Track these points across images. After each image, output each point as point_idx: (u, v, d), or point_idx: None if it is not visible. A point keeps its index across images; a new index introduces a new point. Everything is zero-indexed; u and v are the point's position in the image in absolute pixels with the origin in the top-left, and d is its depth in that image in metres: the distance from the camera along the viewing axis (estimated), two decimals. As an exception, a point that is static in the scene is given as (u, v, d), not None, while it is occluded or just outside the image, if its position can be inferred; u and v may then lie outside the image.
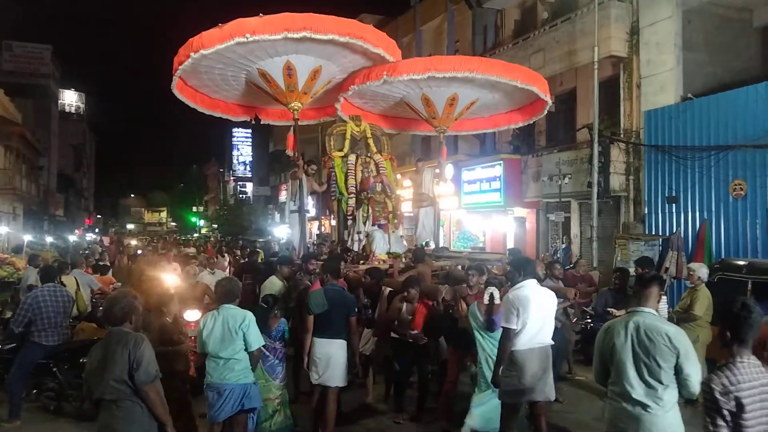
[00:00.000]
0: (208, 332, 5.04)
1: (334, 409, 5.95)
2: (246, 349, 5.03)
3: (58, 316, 6.82)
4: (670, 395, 3.77)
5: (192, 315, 7.31)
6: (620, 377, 3.82)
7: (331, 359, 5.88)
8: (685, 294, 7.53)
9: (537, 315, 5.11)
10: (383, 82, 9.43)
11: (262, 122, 11.87)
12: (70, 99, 61.80)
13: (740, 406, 2.97)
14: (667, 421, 3.75)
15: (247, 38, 8.25)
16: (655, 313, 3.97)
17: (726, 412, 2.99)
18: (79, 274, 9.88)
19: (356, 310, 6.33)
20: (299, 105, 10.01)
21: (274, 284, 7.37)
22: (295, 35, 8.28)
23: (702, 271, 7.24)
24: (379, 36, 9.38)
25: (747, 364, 3.07)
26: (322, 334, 5.97)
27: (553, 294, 5.37)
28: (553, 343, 5.33)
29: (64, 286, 8.58)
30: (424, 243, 10.59)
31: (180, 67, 8.99)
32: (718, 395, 2.99)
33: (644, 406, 3.74)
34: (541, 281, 5.74)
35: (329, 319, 5.94)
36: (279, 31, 8.23)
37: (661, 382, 3.72)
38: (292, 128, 10.49)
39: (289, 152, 10.44)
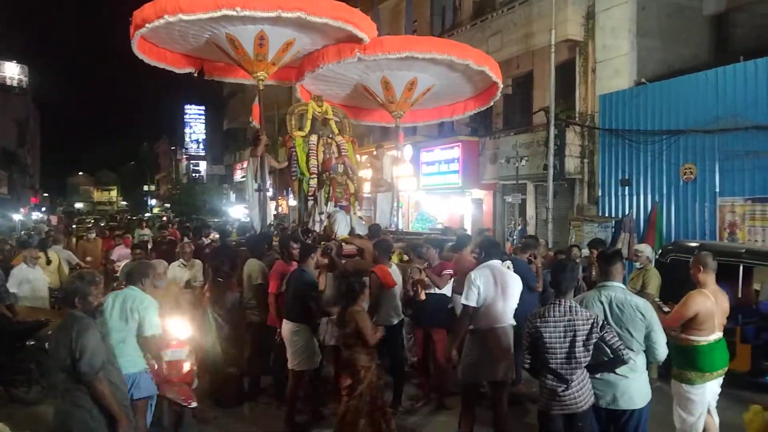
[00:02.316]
0: (108, 313, 4.62)
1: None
2: (138, 335, 4.66)
3: None
4: (641, 361, 4.23)
5: (177, 326, 5.68)
6: (595, 347, 4.10)
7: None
8: (634, 274, 7.77)
9: (498, 295, 5.20)
10: (357, 60, 9.40)
11: (205, 77, 11.40)
12: (12, 71, 59.10)
13: (539, 334, 4.04)
14: (639, 384, 4.20)
15: (237, 12, 8.01)
16: (623, 287, 4.35)
17: (527, 335, 4.16)
18: (58, 249, 9.74)
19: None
20: (264, 75, 9.85)
21: (254, 266, 7.15)
22: (289, 15, 8.16)
23: (648, 251, 7.58)
24: (364, 19, 9.27)
25: (561, 305, 4.07)
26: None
27: (517, 276, 5.45)
28: (515, 323, 5.43)
29: (50, 261, 9.16)
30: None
31: (148, 25, 8.45)
32: (524, 327, 4.24)
33: (622, 374, 4.13)
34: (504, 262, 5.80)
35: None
36: (272, 9, 8.09)
37: (632, 350, 4.13)
38: (256, 99, 10.43)
39: (255, 123, 10.33)
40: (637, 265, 7.74)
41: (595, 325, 4.02)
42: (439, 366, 6.70)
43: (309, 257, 6.28)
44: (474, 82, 11.41)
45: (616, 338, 4.07)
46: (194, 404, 5.45)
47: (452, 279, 6.95)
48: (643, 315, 4.17)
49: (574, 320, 4.01)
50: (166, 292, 6.18)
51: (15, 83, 59.19)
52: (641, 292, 7.31)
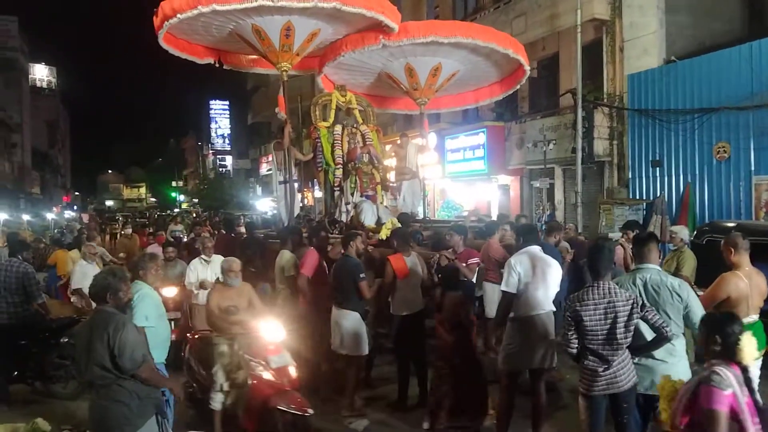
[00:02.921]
0: None
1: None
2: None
3: (6, 293, 6.56)
4: (680, 345, 4.13)
5: (271, 329, 5.27)
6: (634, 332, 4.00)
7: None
8: (669, 256, 7.55)
9: (538, 281, 5.09)
10: (381, 47, 9.37)
11: (224, 67, 11.44)
12: (42, 74, 60.34)
13: (579, 317, 3.89)
14: (679, 369, 4.04)
15: (273, 2, 8.02)
16: (658, 269, 4.28)
17: (569, 319, 3.96)
18: (92, 245, 9.91)
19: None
20: (288, 66, 9.87)
21: (287, 258, 7.15)
22: (325, 5, 8.23)
23: (684, 232, 7.32)
24: (392, 9, 9.24)
25: (600, 287, 3.96)
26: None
27: (555, 261, 5.33)
28: (555, 309, 5.32)
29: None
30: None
31: (179, 15, 8.42)
32: (566, 309, 4.01)
33: (660, 359, 4.05)
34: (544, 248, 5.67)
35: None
36: (308, 0, 8.09)
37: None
38: (281, 90, 10.47)
39: (281, 114, 10.36)
40: (672, 246, 7.53)
41: (635, 305, 3.92)
42: None
43: (349, 245, 6.24)
44: (499, 66, 11.25)
45: (658, 316, 3.97)
46: (311, 412, 4.88)
47: (478, 267, 6.86)
48: (679, 296, 4.10)
49: (614, 302, 3.90)
50: (240, 292, 5.56)
51: (45, 85, 60.43)
52: (675, 275, 7.13)
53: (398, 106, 13.33)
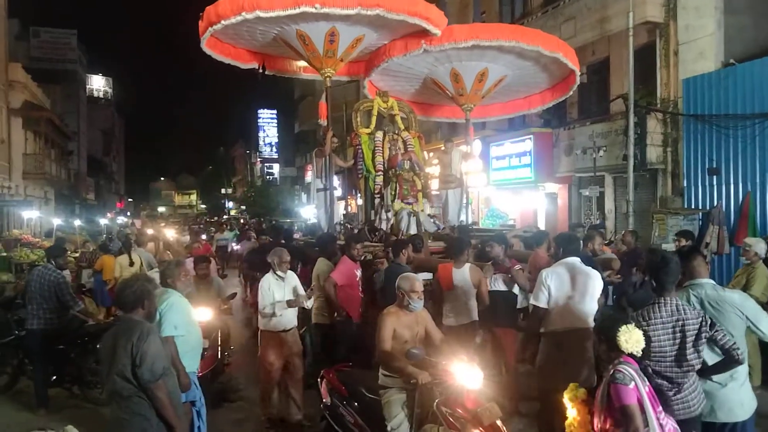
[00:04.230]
0: None
1: None
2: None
3: (42, 299, 6.57)
4: (742, 368, 3.75)
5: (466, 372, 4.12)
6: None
7: None
8: (740, 271, 7.03)
9: (576, 294, 4.79)
10: (423, 52, 9.16)
11: (266, 72, 11.39)
12: (98, 84, 62.56)
13: (647, 338, 3.41)
14: (740, 395, 3.74)
15: (316, 9, 7.95)
16: (713, 283, 3.97)
17: None
18: (141, 251, 10.04)
19: None
20: (332, 72, 9.79)
21: (323, 266, 7.04)
22: (368, 12, 8.08)
23: (760, 246, 6.69)
24: (438, 14, 9.05)
25: (666, 304, 3.62)
26: None
27: (597, 274, 5.01)
28: (593, 325, 5.00)
29: (132, 263, 9.26)
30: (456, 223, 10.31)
31: (223, 21, 8.44)
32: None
33: (719, 382, 3.72)
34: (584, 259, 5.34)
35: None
36: (351, 6, 8.01)
37: None
38: (324, 96, 10.36)
39: (322, 121, 10.28)
40: (744, 260, 6.98)
41: (704, 324, 3.60)
42: (509, 369, 6.32)
43: (401, 252, 6.28)
44: (549, 71, 10.89)
45: (728, 336, 3.65)
46: None
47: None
48: (741, 311, 3.79)
49: (683, 320, 3.60)
50: (418, 319, 4.49)
51: (101, 95, 62.61)
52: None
53: (444, 113, 13.12)
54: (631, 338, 3.31)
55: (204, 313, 6.15)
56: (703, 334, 3.57)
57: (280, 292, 6.05)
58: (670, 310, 3.61)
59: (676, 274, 3.74)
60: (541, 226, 15.42)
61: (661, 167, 14.16)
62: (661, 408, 3.28)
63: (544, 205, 18.32)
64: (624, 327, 3.34)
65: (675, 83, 13.85)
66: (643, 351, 3.42)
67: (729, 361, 3.64)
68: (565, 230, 14.05)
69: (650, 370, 3.58)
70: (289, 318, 6.13)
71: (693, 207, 13.00)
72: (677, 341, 3.57)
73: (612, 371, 3.27)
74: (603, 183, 15.76)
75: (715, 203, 12.48)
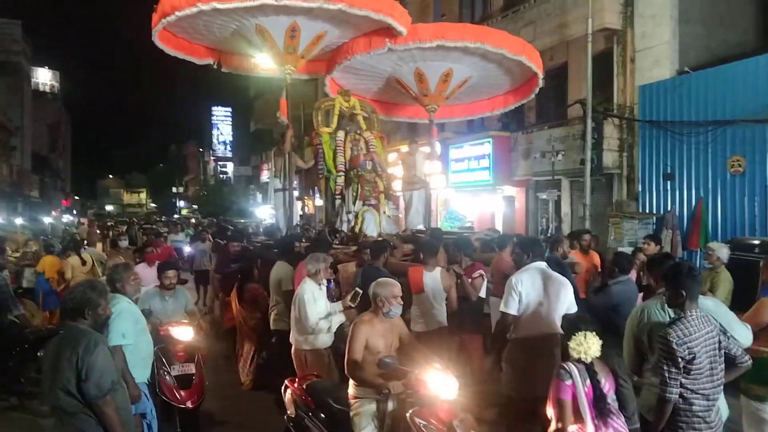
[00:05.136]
0: None
1: None
2: None
3: None
4: None
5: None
6: None
7: None
8: (703, 275, 7.09)
9: (546, 300, 4.69)
10: (387, 50, 9.00)
11: (222, 69, 11.02)
12: (44, 77, 60.26)
13: (692, 355, 3.33)
14: (718, 403, 3.64)
15: (277, 1, 7.70)
16: None
17: (680, 360, 3.33)
18: (92, 251, 9.64)
19: None
20: (293, 69, 9.55)
21: (284, 270, 6.72)
22: (330, 6, 7.89)
23: (722, 251, 6.70)
24: (402, 12, 8.90)
25: (696, 317, 3.45)
26: None
27: (566, 281, 4.92)
28: (562, 332, 4.92)
29: (84, 263, 9.01)
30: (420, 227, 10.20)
31: (177, 13, 8.08)
32: (675, 346, 3.33)
33: None
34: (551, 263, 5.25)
35: None
36: (313, 0, 7.81)
37: None
38: (284, 93, 10.09)
39: (282, 118, 9.99)
40: (707, 265, 7.01)
41: (721, 332, 3.54)
42: (476, 375, 6.19)
43: (381, 255, 6.19)
44: (513, 74, 10.90)
45: (733, 341, 3.62)
46: None
47: (485, 281, 6.47)
48: (714, 318, 3.70)
49: (711, 331, 3.48)
50: (392, 326, 4.27)
51: (47, 89, 60.38)
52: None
53: (407, 113, 12.98)
54: (580, 345, 3.53)
55: (184, 333, 5.59)
56: (723, 343, 3.50)
57: (322, 302, 5.48)
58: (701, 323, 3.48)
59: (698, 282, 3.62)
60: (499, 228, 15.45)
61: (617, 172, 14.37)
62: (595, 412, 3.47)
63: (502, 208, 18.42)
64: (578, 334, 3.55)
65: (631, 90, 14.08)
66: (684, 369, 3.35)
67: (739, 368, 3.62)
68: (522, 233, 14.13)
69: (688, 391, 3.42)
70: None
71: (648, 211, 13.24)
72: (710, 354, 3.45)
73: (558, 368, 3.58)
74: (560, 187, 15.90)
75: (669, 208, 12.75)
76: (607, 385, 3.59)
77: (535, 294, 4.69)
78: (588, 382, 3.51)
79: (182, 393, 5.27)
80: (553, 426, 3.57)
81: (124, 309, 4.28)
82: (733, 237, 9.86)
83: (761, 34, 13.70)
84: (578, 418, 3.48)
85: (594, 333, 3.59)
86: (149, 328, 5.23)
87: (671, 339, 3.33)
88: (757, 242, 7.57)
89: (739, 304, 4.48)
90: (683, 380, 3.38)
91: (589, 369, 3.55)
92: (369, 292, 4.33)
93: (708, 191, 12.18)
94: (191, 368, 5.46)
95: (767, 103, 11.00)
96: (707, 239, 11.52)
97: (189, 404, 5.24)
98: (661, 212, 12.92)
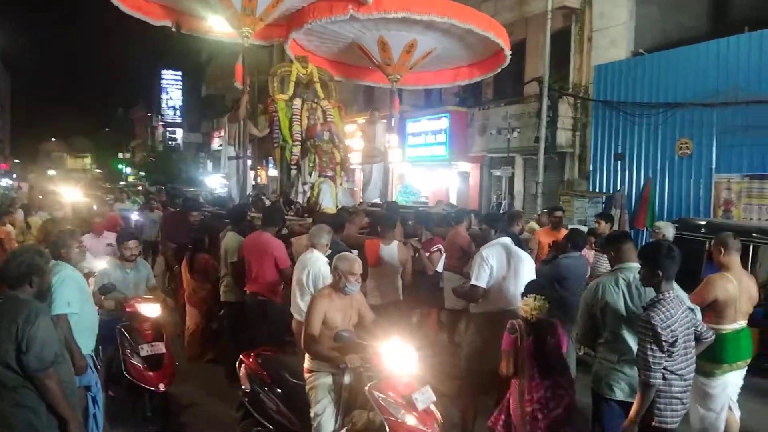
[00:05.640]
0: None
1: None
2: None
3: None
4: None
5: (398, 352, 3.84)
6: (616, 336, 3.73)
7: None
8: None
9: (511, 275, 4.71)
10: (350, 18, 8.70)
11: (182, 31, 10.57)
12: (-20, 32, 56.93)
13: (675, 338, 3.30)
14: None
15: None
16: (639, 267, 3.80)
17: (665, 344, 3.27)
18: (44, 215, 9.33)
19: None
20: (250, 32, 9.16)
21: (234, 240, 6.49)
22: None
23: (668, 230, 6.90)
24: None
25: (672, 297, 3.40)
26: None
27: (528, 256, 4.96)
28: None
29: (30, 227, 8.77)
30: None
31: None
32: (660, 330, 3.25)
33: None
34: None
35: None
36: None
37: None
38: (240, 58, 9.75)
39: (238, 84, 9.64)
40: None
41: (689, 309, 3.58)
42: (433, 348, 6.22)
43: (339, 228, 6.08)
44: (477, 48, 10.79)
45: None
46: None
47: (443, 256, 6.47)
48: None
49: (685, 310, 3.47)
50: (351, 302, 4.16)
51: (-17, 45, 57.09)
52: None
53: (370, 78, 12.67)
54: (527, 305, 4.11)
55: (151, 309, 5.20)
56: (692, 320, 3.52)
57: (327, 272, 5.10)
58: (678, 303, 3.43)
59: (677, 261, 3.49)
60: (454, 203, 15.51)
61: (570, 151, 14.58)
62: (535, 363, 4.00)
63: (457, 184, 18.51)
64: (529, 296, 4.15)
65: (587, 69, 14.24)
66: (668, 352, 3.31)
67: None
68: (476, 209, 14.24)
69: (668, 372, 3.39)
70: None
71: (598, 190, 13.51)
72: (685, 334, 3.44)
73: (509, 322, 4.16)
74: (514, 164, 16.05)
75: (619, 187, 13.02)
76: (553, 343, 4.12)
77: (502, 268, 4.71)
78: (530, 338, 4.04)
79: (152, 374, 4.91)
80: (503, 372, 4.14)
81: (68, 276, 4.06)
82: (680, 217, 10.13)
83: (712, 19, 13.99)
84: (522, 371, 4.05)
85: (543, 297, 4.12)
86: (113, 304, 5.12)
87: (655, 323, 3.24)
88: (703, 222, 7.79)
89: (683, 282, 4.56)
90: (665, 362, 3.33)
91: (533, 326, 4.08)
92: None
93: (657, 172, 12.49)
94: (161, 347, 5.12)
95: (715, 87, 11.31)
96: (654, 219, 11.83)
97: (161, 386, 4.89)
98: (611, 192, 13.19)
